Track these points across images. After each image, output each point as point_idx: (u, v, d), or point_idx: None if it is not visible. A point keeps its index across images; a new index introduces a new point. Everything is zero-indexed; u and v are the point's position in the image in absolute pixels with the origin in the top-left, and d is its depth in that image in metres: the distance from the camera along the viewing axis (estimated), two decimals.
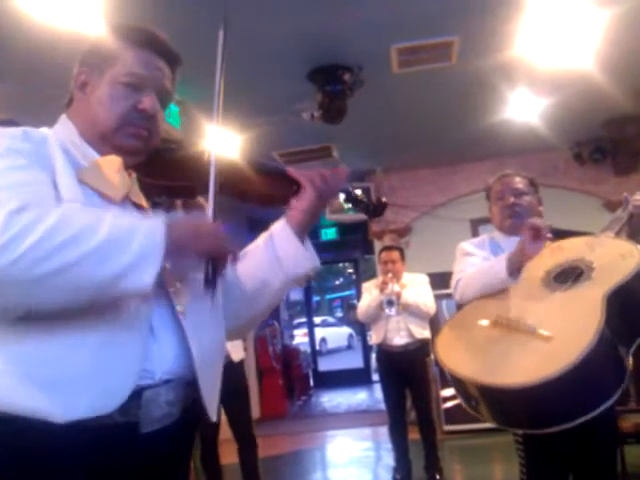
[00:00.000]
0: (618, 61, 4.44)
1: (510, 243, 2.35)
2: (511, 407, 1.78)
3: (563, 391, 1.67)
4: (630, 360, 1.81)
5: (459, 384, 1.88)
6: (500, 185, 2.50)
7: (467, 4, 3.62)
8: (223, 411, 4.14)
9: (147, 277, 1.03)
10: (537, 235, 2.02)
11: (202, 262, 1.13)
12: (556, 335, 1.77)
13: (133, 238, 1.03)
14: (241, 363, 4.22)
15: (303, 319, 14.54)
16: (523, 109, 5.42)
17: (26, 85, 3.76)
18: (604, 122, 6.06)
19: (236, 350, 4.16)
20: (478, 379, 1.77)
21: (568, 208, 5.86)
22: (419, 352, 4.51)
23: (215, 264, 1.14)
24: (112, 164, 1.19)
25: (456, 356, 1.94)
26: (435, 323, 5.65)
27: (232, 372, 4.01)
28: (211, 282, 1.14)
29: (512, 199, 2.43)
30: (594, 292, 1.85)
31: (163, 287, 1.17)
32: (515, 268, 2.06)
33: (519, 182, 2.48)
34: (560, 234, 2.37)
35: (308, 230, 1.36)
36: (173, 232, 1.07)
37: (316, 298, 20.20)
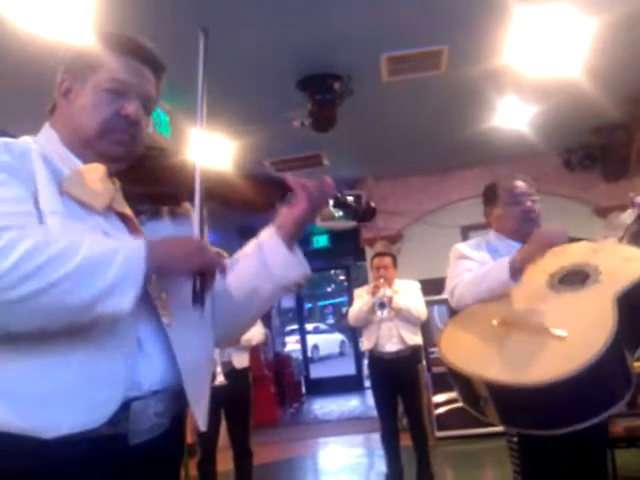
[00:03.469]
0: (605, 69, 4.49)
1: (508, 247, 2.35)
2: (525, 406, 1.74)
3: (580, 390, 1.66)
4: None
5: (465, 383, 1.83)
6: (515, 188, 2.41)
7: (455, 14, 3.66)
8: (224, 417, 4.14)
9: (126, 300, 1.03)
10: (546, 243, 2.06)
11: (190, 278, 1.12)
12: (570, 334, 1.76)
13: (113, 260, 1.03)
14: (245, 371, 4.21)
15: (295, 326, 14.50)
16: (512, 116, 5.46)
17: (17, 95, 3.76)
18: (593, 129, 6.11)
19: (240, 357, 4.15)
20: (492, 377, 1.73)
21: (558, 214, 5.86)
22: (411, 358, 4.51)
23: (203, 280, 1.12)
24: (95, 172, 1.18)
25: (463, 354, 1.89)
26: (426, 329, 5.67)
27: (234, 379, 4.01)
28: (199, 298, 1.12)
29: (529, 204, 2.37)
30: (604, 294, 1.86)
31: (148, 299, 1.16)
32: (517, 270, 2.06)
33: (530, 187, 2.42)
34: None
35: (297, 238, 1.35)
36: (155, 253, 1.07)
37: (308, 305, 20.16)
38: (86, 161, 1.21)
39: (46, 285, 0.98)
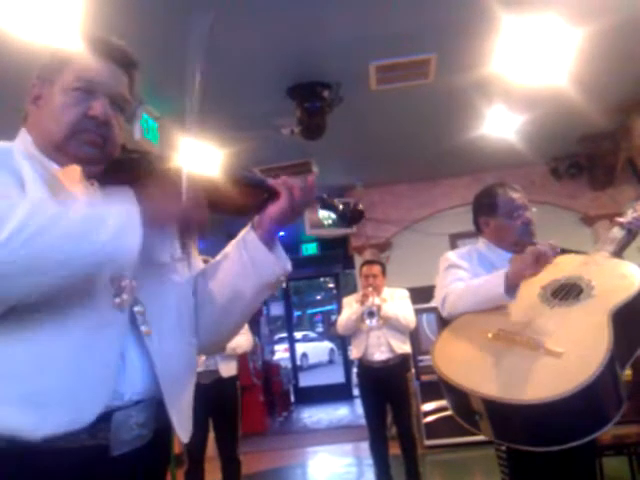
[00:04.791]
0: (592, 78, 4.53)
1: (500, 257, 2.32)
2: (521, 423, 1.74)
3: (576, 408, 1.66)
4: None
5: (460, 396, 1.81)
6: (514, 200, 2.36)
7: (444, 22, 3.68)
8: (212, 427, 4.11)
9: (133, 241, 1.06)
10: (539, 261, 1.99)
11: (174, 231, 1.23)
12: (566, 351, 1.75)
13: (110, 211, 1.06)
14: (232, 379, 4.18)
15: (284, 334, 14.48)
16: (500, 125, 5.49)
17: (5, 102, 3.73)
18: (579, 138, 6.16)
19: (227, 366, 4.13)
20: (489, 394, 1.72)
21: (546, 223, 5.88)
22: (400, 367, 4.51)
23: (187, 228, 1.21)
24: (72, 174, 1.16)
25: (459, 367, 1.87)
26: (415, 337, 5.68)
27: (221, 388, 3.99)
28: (186, 246, 1.25)
29: (528, 215, 2.35)
30: (598, 309, 1.86)
31: (129, 308, 1.16)
32: (512, 286, 2.02)
33: (525, 197, 2.40)
34: None
35: (276, 235, 1.34)
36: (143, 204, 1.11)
37: (297, 313, 20.15)
38: (61, 164, 1.20)
39: (50, 241, 0.99)
